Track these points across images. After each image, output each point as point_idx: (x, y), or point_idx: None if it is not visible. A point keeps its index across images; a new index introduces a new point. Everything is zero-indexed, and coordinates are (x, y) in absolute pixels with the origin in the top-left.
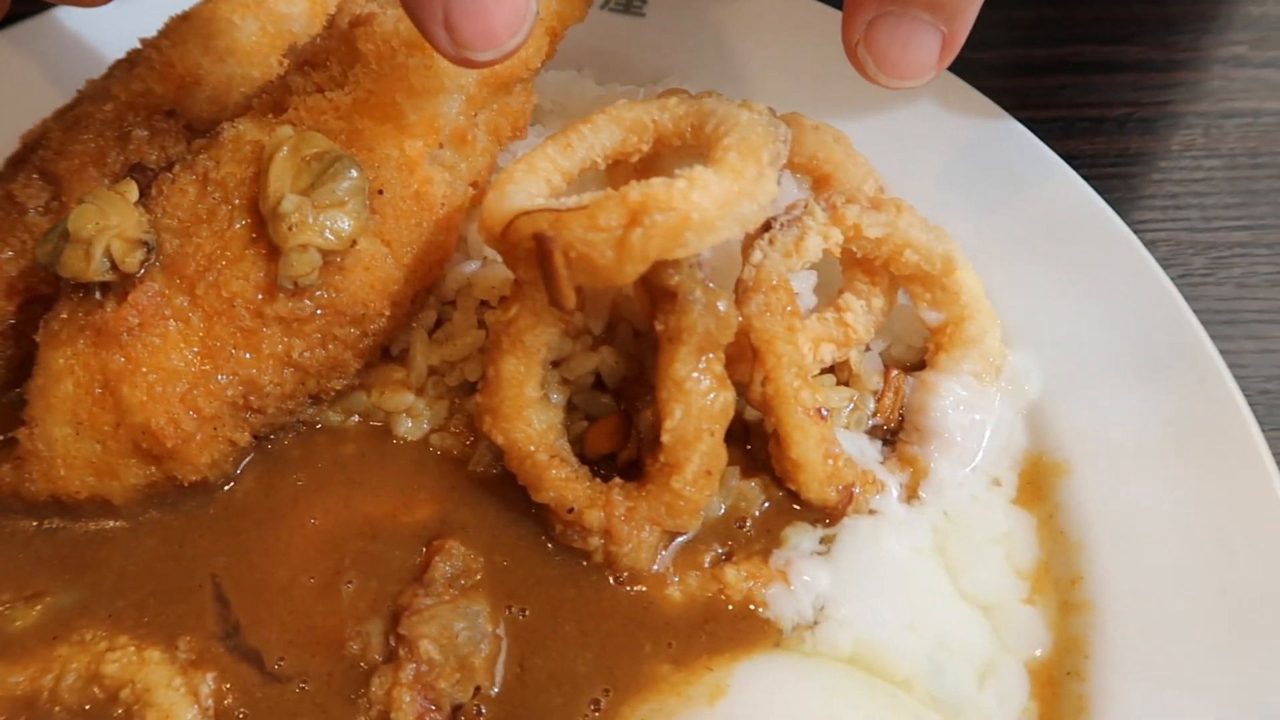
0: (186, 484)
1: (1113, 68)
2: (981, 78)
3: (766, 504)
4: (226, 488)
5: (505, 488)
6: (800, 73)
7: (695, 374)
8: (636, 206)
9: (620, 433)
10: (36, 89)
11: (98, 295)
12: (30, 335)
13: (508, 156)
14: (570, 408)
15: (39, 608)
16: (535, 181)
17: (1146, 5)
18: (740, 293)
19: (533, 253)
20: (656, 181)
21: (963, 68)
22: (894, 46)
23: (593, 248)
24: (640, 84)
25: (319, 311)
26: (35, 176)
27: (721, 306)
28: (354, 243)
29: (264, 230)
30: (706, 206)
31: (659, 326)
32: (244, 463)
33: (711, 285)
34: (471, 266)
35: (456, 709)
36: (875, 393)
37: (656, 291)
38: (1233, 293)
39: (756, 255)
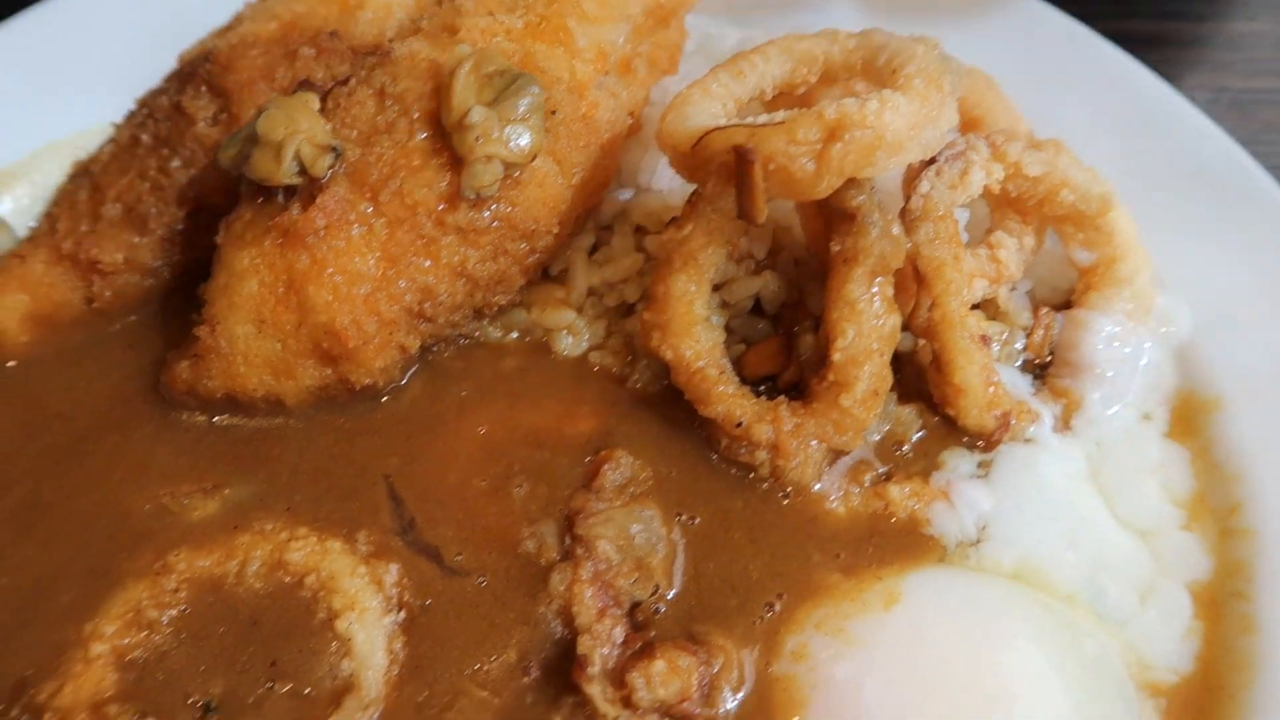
0: (358, 387)
1: None
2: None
3: (921, 431)
4: (392, 396)
5: (665, 404)
6: (929, 14)
7: (868, 295)
8: (834, 124)
9: (781, 355)
10: (188, 10)
11: (280, 199)
12: (196, 242)
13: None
14: (727, 332)
15: (218, 499)
16: (711, 104)
17: None
18: (908, 222)
19: (725, 167)
20: (849, 101)
21: None
22: None
23: (792, 161)
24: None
25: (495, 224)
26: (204, 89)
27: (896, 230)
28: (534, 158)
29: (444, 143)
30: (899, 127)
31: (834, 248)
32: (410, 372)
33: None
34: (626, 195)
35: (635, 606)
36: (1025, 329)
37: (835, 214)
38: None
39: (924, 186)
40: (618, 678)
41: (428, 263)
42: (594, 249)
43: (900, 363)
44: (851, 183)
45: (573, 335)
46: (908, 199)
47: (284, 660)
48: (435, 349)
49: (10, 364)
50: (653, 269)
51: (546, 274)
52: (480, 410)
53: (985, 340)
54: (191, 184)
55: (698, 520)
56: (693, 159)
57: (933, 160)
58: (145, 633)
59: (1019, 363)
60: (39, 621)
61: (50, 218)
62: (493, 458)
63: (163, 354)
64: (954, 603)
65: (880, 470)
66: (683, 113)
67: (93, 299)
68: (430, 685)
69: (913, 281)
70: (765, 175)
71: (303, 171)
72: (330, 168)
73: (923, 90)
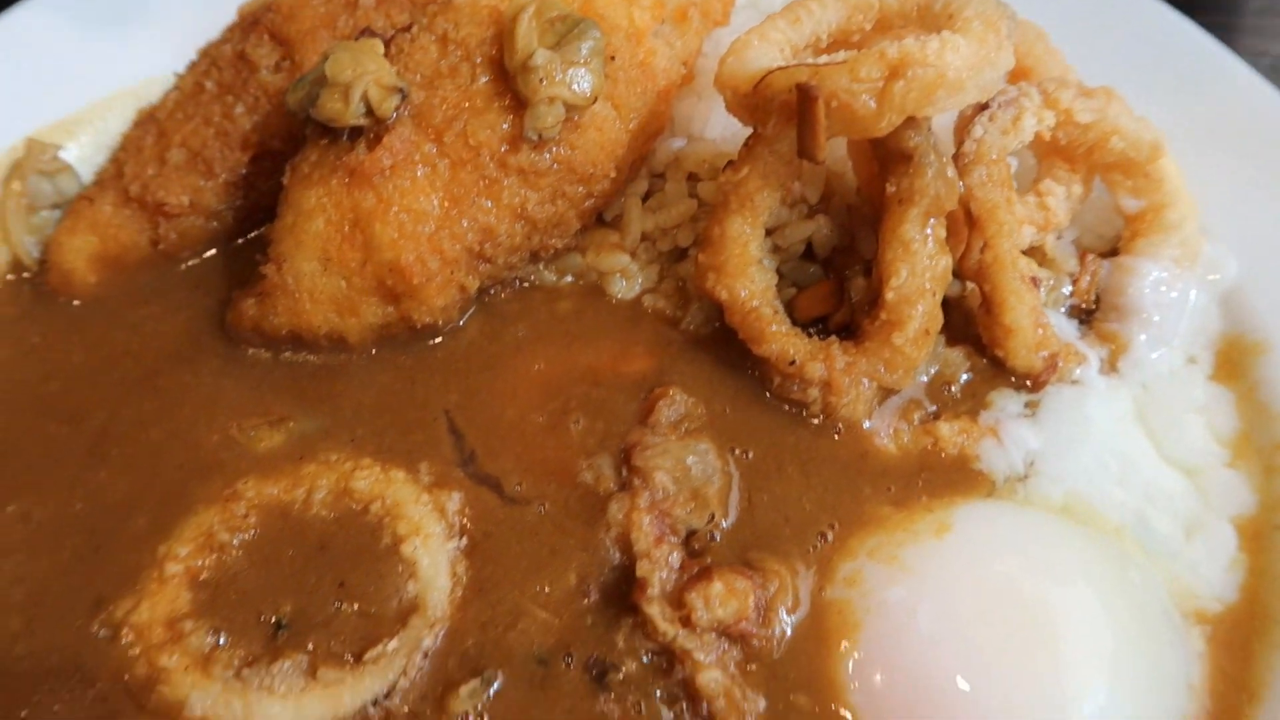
0: (419, 326)
1: None
2: None
3: (969, 373)
4: (450, 336)
5: (718, 345)
6: None
7: (922, 235)
8: (896, 62)
9: (833, 297)
10: None
11: (346, 140)
12: (259, 187)
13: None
14: (778, 276)
15: (283, 431)
16: (769, 49)
17: None
18: (961, 166)
19: (786, 106)
20: (910, 41)
21: None
22: None
23: (855, 98)
24: None
25: (554, 166)
26: (266, 38)
27: (950, 173)
28: (594, 101)
29: (506, 87)
30: (959, 67)
31: (889, 189)
32: (467, 314)
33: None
34: (679, 144)
35: (691, 534)
36: (1071, 275)
37: (891, 154)
38: None
39: (978, 130)
40: (676, 599)
41: (489, 203)
42: (647, 195)
43: (949, 308)
44: (909, 123)
45: (626, 279)
46: (960, 144)
47: (351, 582)
48: (492, 291)
49: (76, 303)
50: (705, 215)
51: (601, 219)
52: (537, 350)
53: (1035, 282)
54: (255, 129)
55: (751, 455)
56: (753, 99)
57: (985, 106)
58: (217, 555)
59: (1065, 308)
60: (115, 544)
61: (117, 162)
62: (550, 395)
63: (227, 294)
64: (1004, 532)
65: (930, 409)
66: (742, 56)
67: (158, 241)
68: (493, 606)
69: (964, 226)
70: (827, 113)
71: (369, 113)
72: (396, 109)
73: (981, 32)
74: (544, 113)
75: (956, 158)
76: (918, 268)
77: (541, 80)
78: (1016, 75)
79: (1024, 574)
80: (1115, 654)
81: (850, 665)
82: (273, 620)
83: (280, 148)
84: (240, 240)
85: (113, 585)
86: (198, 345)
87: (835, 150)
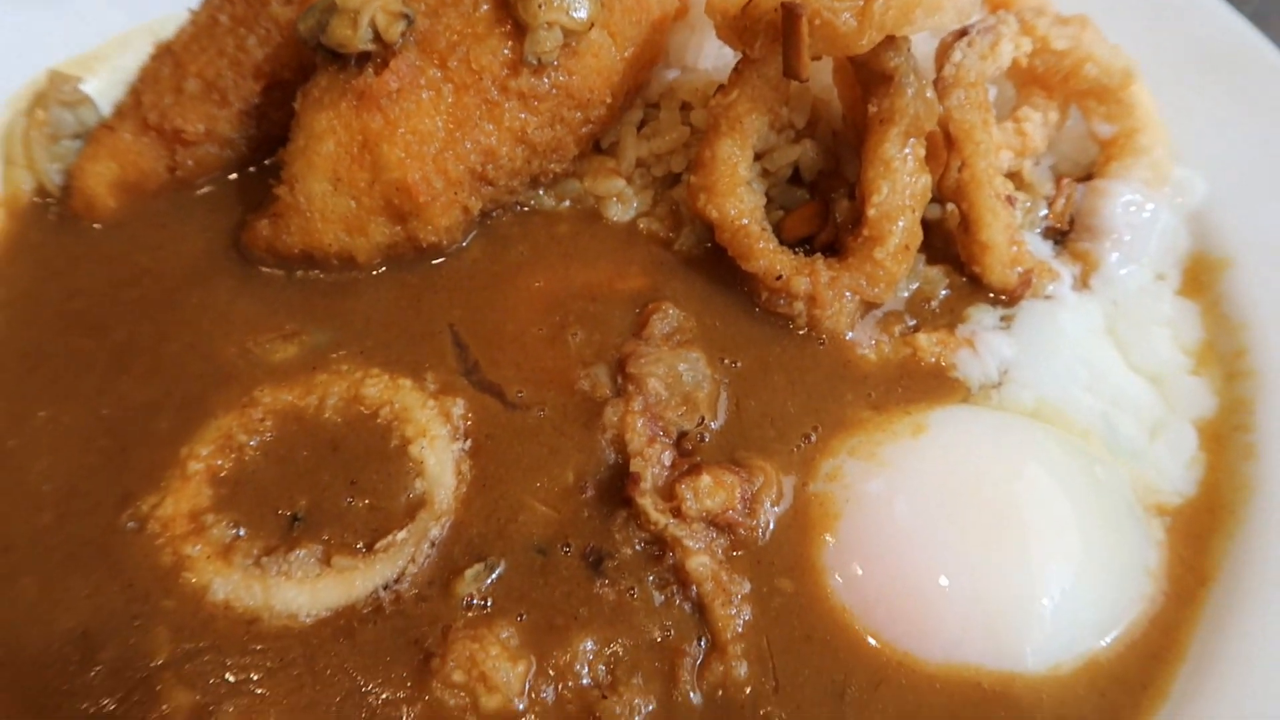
0: (424, 245)
1: None
2: None
3: (948, 290)
4: (454, 256)
5: (710, 265)
6: None
7: (902, 155)
8: None
9: (819, 217)
10: None
11: (354, 65)
12: (271, 118)
13: None
14: (766, 200)
15: (296, 344)
16: None
17: None
18: (941, 89)
19: (772, 26)
20: None
21: None
22: None
23: (836, 15)
24: None
25: (553, 91)
26: None
27: (929, 94)
28: (591, 27)
29: (506, 14)
30: None
31: (871, 109)
32: (470, 236)
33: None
34: (673, 74)
35: (682, 436)
36: (1047, 198)
37: (872, 76)
38: None
39: (957, 55)
40: (667, 492)
41: (490, 126)
42: (642, 124)
43: (929, 230)
44: (889, 43)
45: (622, 203)
46: (940, 70)
47: (362, 479)
48: (494, 215)
49: (97, 227)
50: (697, 142)
51: (598, 147)
52: (537, 269)
53: (1010, 200)
54: (267, 60)
55: (740, 364)
56: (741, 22)
57: (965, 32)
58: (236, 455)
59: (1041, 230)
60: (140, 445)
61: (135, 93)
62: (549, 309)
63: (241, 217)
64: (977, 432)
65: (910, 323)
66: None
67: (175, 167)
68: (495, 501)
69: (943, 148)
70: (810, 31)
71: (377, 38)
72: (403, 34)
73: None
74: (543, 38)
75: (937, 82)
76: (898, 185)
77: (540, 6)
78: (996, 4)
79: (995, 468)
80: (1080, 542)
81: (830, 551)
82: (289, 514)
83: (291, 78)
84: (253, 168)
85: (139, 483)
86: (214, 265)
87: (821, 77)
